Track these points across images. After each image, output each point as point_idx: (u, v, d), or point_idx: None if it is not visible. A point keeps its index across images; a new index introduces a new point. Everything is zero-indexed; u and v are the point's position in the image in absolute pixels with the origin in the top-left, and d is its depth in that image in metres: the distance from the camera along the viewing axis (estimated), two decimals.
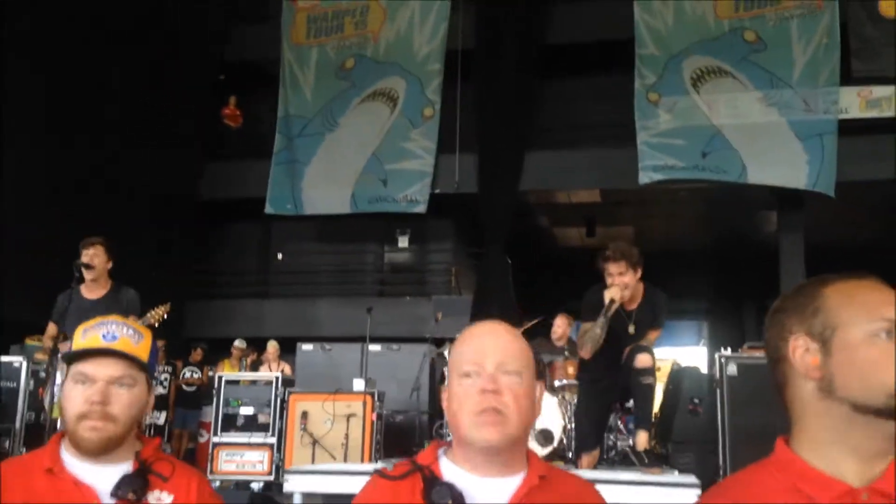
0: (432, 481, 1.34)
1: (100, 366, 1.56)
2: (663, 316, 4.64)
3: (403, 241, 13.76)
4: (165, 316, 4.89)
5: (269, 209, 12.45)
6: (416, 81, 12.30)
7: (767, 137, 10.66)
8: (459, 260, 13.80)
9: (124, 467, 1.57)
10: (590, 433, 4.70)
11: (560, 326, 7.24)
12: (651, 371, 4.45)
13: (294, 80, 12.85)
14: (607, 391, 4.75)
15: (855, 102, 10.56)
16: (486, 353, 1.37)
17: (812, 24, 10.80)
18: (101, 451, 1.55)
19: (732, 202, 12.60)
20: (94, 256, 4.92)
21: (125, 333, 1.61)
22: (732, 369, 5.80)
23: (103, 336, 1.59)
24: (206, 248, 13.67)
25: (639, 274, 4.42)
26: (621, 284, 4.33)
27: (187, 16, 12.29)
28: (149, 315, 4.85)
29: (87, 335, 1.60)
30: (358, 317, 9.37)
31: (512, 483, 1.35)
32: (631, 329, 4.47)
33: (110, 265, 5.03)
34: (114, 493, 1.51)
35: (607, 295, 4.32)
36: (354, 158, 12.25)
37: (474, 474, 1.36)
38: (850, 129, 10.43)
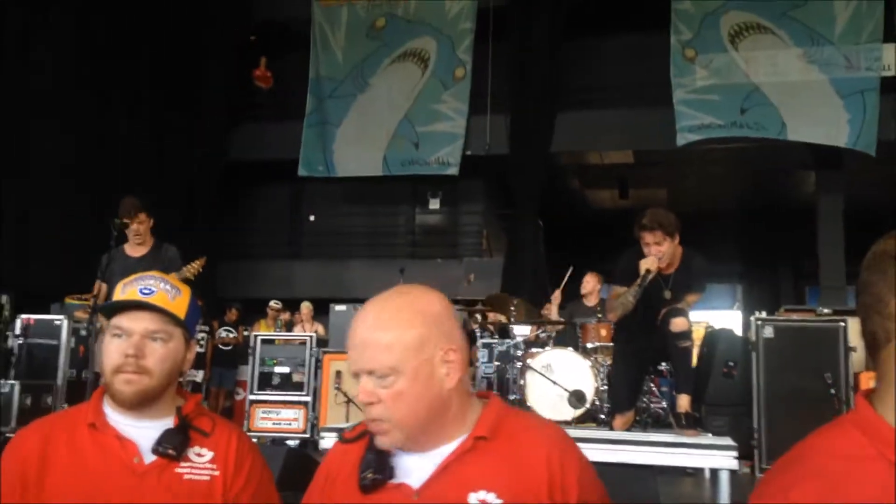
0: (369, 449, 1.34)
1: (136, 320, 1.57)
2: (704, 280, 4.55)
3: (435, 203, 13.75)
4: (201, 269, 4.95)
5: (301, 171, 12.48)
6: (448, 41, 12.16)
7: (808, 95, 10.40)
8: (490, 222, 13.76)
9: (166, 423, 1.58)
10: (625, 395, 4.69)
11: (588, 283, 7.23)
12: (688, 334, 4.40)
13: (325, 40, 12.78)
14: (642, 353, 4.71)
15: None
16: (356, 362, 1.32)
17: None
18: (136, 403, 1.56)
19: (769, 162, 12.37)
20: (139, 224, 4.99)
21: (162, 288, 1.61)
22: (769, 332, 5.74)
23: (141, 290, 1.59)
24: (238, 209, 13.77)
25: (676, 241, 4.33)
26: (658, 254, 4.25)
27: None
28: (184, 269, 4.90)
29: (125, 290, 1.61)
30: (390, 278, 9.39)
31: (447, 449, 1.32)
32: (667, 294, 4.39)
33: (152, 223, 5.11)
34: (154, 449, 1.53)
35: (643, 265, 4.25)
36: (386, 120, 12.20)
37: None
38: (892, 86, 10.14)
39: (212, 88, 12.41)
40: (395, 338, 1.28)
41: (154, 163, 11.27)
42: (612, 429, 4.67)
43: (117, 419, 1.57)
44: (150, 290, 1.59)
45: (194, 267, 4.87)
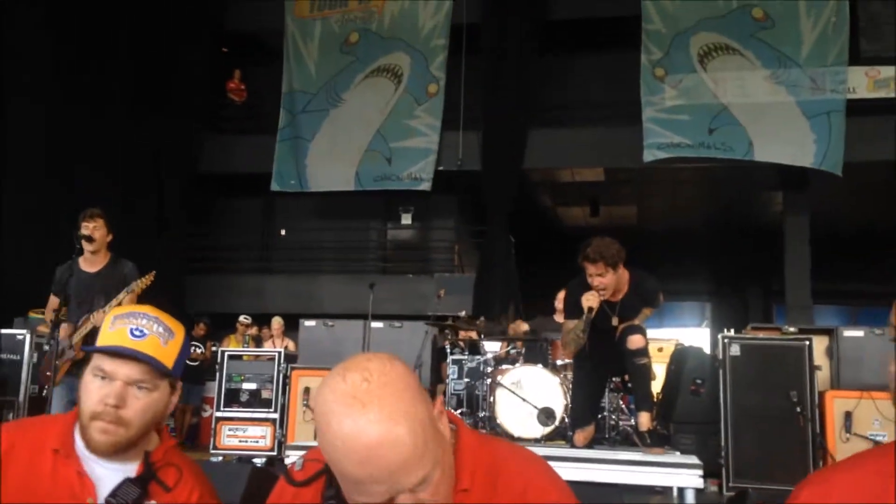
0: (328, 495, 1.21)
1: (121, 365, 1.47)
2: (656, 299, 4.58)
3: (406, 219, 13.73)
4: (149, 284, 4.85)
5: (274, 186, 12.40)
6: (421, 57, 12.20)
7: (775, 115, 10.58)
8: (462, 238, 13.77)
9: (132, 468, 1.51)
10: (584, 409, 4.71)
11: (563, 301, 7.23)
12: (644, 351, 4.44)
13: (298, 54, 12.75)
14: (600, 368, 4.76)
15: (863, 82, 10.48)
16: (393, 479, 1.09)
17: (820, 2, 10.68)
18: (109, 453, 1.49)
19: (737, 182, 12.54)
20: (94, 229, 4.88)
21: (155, 330, 1.52)
22: (735, 350, 5.78)
23: (132, 331, 1.49)
24: (209, 222, 13.64)
25: (619, 270, 4.34)
26: (600, 285, 4.29)
27: None
28: (133, 284, 4.80)
29: (115, 325, 1.51)
30: (360, 294, 9.36)
31: None
32: (615, 321, 4.43)
33: (110, 238, 5.01)
34: (108, 501, 1.46)
35: (584, 303, 4.29)
36: (359, 135, 12.18)
37: None
38: (857, 109, 10.35)
39: (183, 100, 12.30)
40: (421, 442, 1.07)
41: (124, 175, 11.13)
42: (573, 445, 4.68)
43: (84, 452, 1.50)
44: (141, 332, 1.50)
45: (143, 282, 4.78)
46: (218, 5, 13.06)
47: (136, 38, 11.47)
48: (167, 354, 1.52)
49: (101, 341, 1.51)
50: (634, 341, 4.34)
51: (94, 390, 1.48)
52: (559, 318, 7.29)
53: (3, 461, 1.46)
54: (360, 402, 1.06)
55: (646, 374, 4.53)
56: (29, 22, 10.13)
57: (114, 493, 1.46)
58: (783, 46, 10.76)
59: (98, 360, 1.50)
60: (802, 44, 10.72)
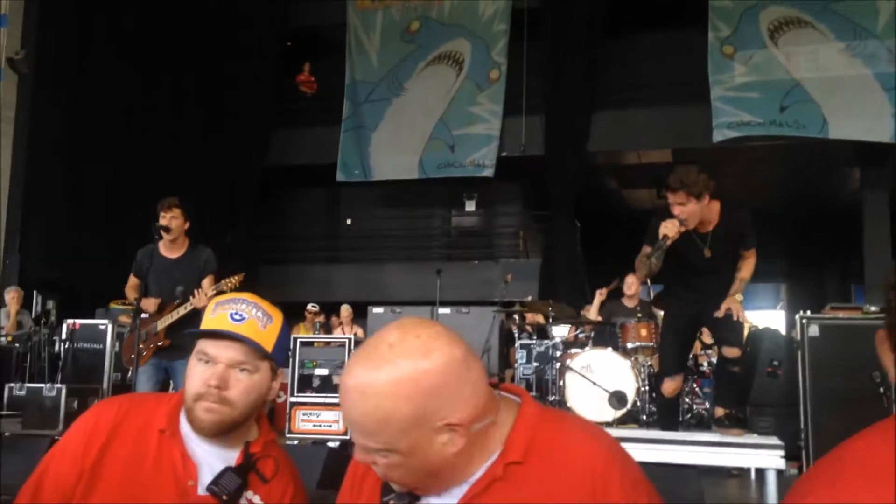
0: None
1: (223, 348, 1.51)
2: (751, 235, 4.33)
3: (471, 206, 13.74)
4: (238, 285, 4.95)
5: (340, 176, 12.55)
6: (482, 43, 12.15)
7: (851, 90, 10.18)
8: (527, 223, 13.71)
9: (232, 455, 1.54)
10: (674, 355, 4.58)
11: (633, 285, 7.14)
12: (739, 361, 4.36)
13: (360, 45, 12.85)
14: (691, 320, 4.58)
15: None
16: (351, 430, 1.17)
17: None
18: (214, 433, 1.52)
19: (812, 159, 12.13)
20: (172, 219, 5.01)
21: (254, 315, 1.55)
22: (814, 330, 5.61)
23: (231, 315, 1.53)
24: (276, 214, 13.90)
25: (705, 201, 4.13)
26: (681, 215, 4.09)
27: None
28: (222, 283, 4.91)
29: (216, 311, 1.55)
30: (426, 281, 9.43)
31: (474, 479, 1.18)
32: (707, 253, 4.24)
33: (188, 226, 5.14)
34: (209, 487, 1.49)
35: (661, 230, 4.09)
36: (421, 124, 12.22)
37: None
38: None
39: (252, 94, 12.58)
40: (383, 422, 1.10)
41: (197, 169, 11.47)
42: (662, 396, 4.59)
43: (188, 434, 1.54)
44: (241, 315, 1.53)
45: (232, 282, 4.88)
46: (283, 2, 13.27)
47: (207, 41, 11.81)
48: (266, 338, 1.55)
49: (203, 326, 1.55)
50: (731, 352, 4.29)
51: (198, 374, 1.52)
52: (627, 302, 7.21)
53: (113, 435, 1.52)
54: (369, 358, 1.12)
55: (734, 380, 4.47)
56: (110, 30, 10.54)
57: (216, 482, 1.49)
58: (858, 17, 10.34)
59: (201, 345, 1.54)
60: (878, 14, 10.29)
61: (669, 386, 4.51)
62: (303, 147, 13.07)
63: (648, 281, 6.48)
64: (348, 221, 14.40)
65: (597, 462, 1.16)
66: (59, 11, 9.95)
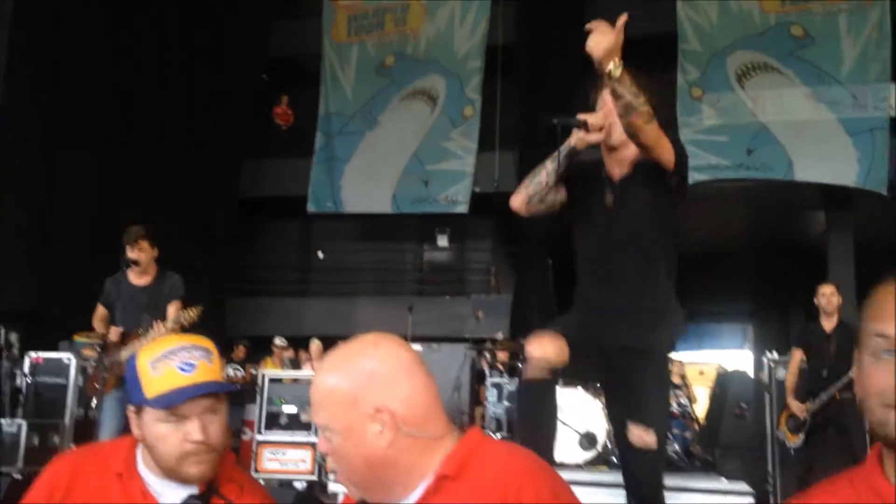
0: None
1: (190, 402, 1.49)
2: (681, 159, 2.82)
3: (443, 240, 13.76)
4: (196, 319, 4.91)
5: (310, 207, 12.52)
6: (457, 80, 12.27)
7: (816, 133, 10.42)
8: (499, 259, 13.74)
9: (193, 486, 1.53)
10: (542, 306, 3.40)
11: None
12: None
13: (335, 77, 12.91)
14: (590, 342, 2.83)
15: None
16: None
17: (861, 18, 10.52)
18: (205, 479, 1.52)
19: (778, 201, 12.34)
20: (140, 251, 4.99)
21: (198, 356, 1.53)
22: (781, 373, 5.68)
23: (181, 369, 1.50)
24: (248, 245, 13.81)
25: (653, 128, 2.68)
26: (597, 121, 2.79)
27: (228, 12, 12.47)
28: (181, 316, 4.86)
29: (158, 369, 1.51)
30: (398, 316, 9.40)
31: (413, 496, 1.29)
32: (608, 200, 2.83)
33: (156, 253, 5.11)
34: None
35: (581, 118, 2.82)
36: (395, 158, 12.26)
37: None
38: None
39: (227, 124, 12.55)
40: (326, 396, 1.29)
41: (170, 198, 11.39)
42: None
43: (146, 472, 1.54)
44: (189, 364, 1.51)
45: (191, 315, 4.84)
46: (261, 33, 13.31)
47: (184, 70, 11.78)
48: (218, 371, 1.56)
49: (150, 390, 1.50)
50: (636, 437, 2.65)
51: (172, 435, 1.49)
52: None
53: (71, 487, 1.53)
54: (336, 351, 1.35)
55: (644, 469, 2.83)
56: (88, 59, 10.48)
57: None
58: (824, 64, 10.61)
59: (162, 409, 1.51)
60: (843, 61, 10.56)
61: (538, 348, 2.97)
62: (277, 178, 13.05)
63: None
64: (320, 254, 14.34)
65: (513, 476, 1.24)
66: (32, 44, 9.88)
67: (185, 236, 11.41)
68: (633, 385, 2.68)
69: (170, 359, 1.52)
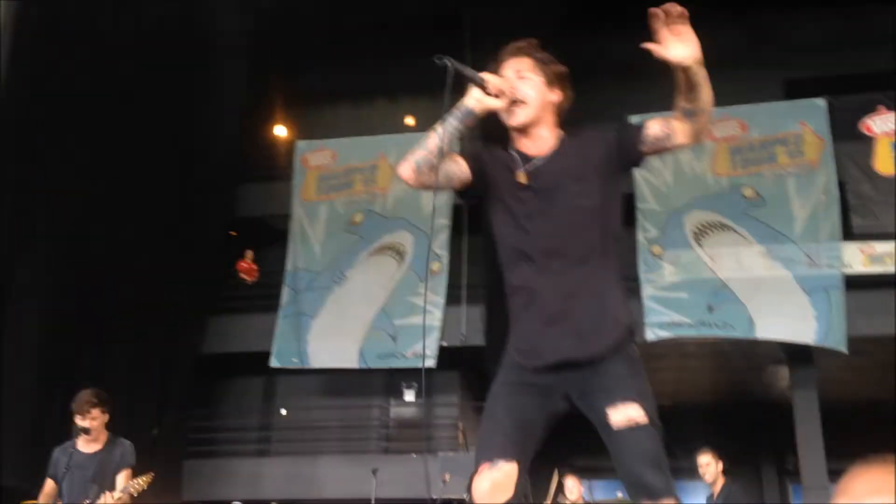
0: None
1: None
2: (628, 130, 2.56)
3: (410, 395, 13.53)
4: (146, 487, 4.76)
5: (274, 362, 12.33)
6: (424, 237, 12.50)
7: (774, 291, 10.66)
8: (466, 414, 13.50)
9: None
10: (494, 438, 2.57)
11: (573, 490, 6.98)
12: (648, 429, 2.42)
13: (304, 235, 13.09)
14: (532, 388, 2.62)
15: (858, 258, 10.62)
16: None
17: (809, 182, 11.04)
18: None
19: (742, 357, 12.45)
20: (91, 420, 4.86)
21: None
22: None
23: None
24: (208, 405, 13.42)
25: (555, 96, 2.58)
26: (511, 92, 2.50)
27: (199, 172, 12.62)
28: (130, 486, 4.71)
29: None
30: (362, 476, 9.07)
31: None
32: (522, 178, 2.54)
33: (107, 418, 4.97)
34: None
35: (481, 74, 2.47)
36: (363, 312, 12.26)
37: None
38: (856, 283, 10.42)
39: (191, 282, 12.43)
40: None
41: (129, 356, 11.07)
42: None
43: None
44: None
45: (140, 483, 4.70)
46: (229, 194, 13.53)
47: (150, 229, 11.65)
48: None
49: None
50: (620, 415, 2.41)
51: None
52: (570, 495, 7.01)
53: None
54: None
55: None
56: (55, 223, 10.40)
57: None
58: (776, 223, 11.01)
59: None
60: (795, 220, 10.97)
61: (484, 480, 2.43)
62: (241, 334, 12.89)
63: (588, 490, 6.32)
64: (283, 411, 13.98)
65: None
66: None
67: (143, 397, 11.06)
68: (601, 384, 2.46)
69: None
